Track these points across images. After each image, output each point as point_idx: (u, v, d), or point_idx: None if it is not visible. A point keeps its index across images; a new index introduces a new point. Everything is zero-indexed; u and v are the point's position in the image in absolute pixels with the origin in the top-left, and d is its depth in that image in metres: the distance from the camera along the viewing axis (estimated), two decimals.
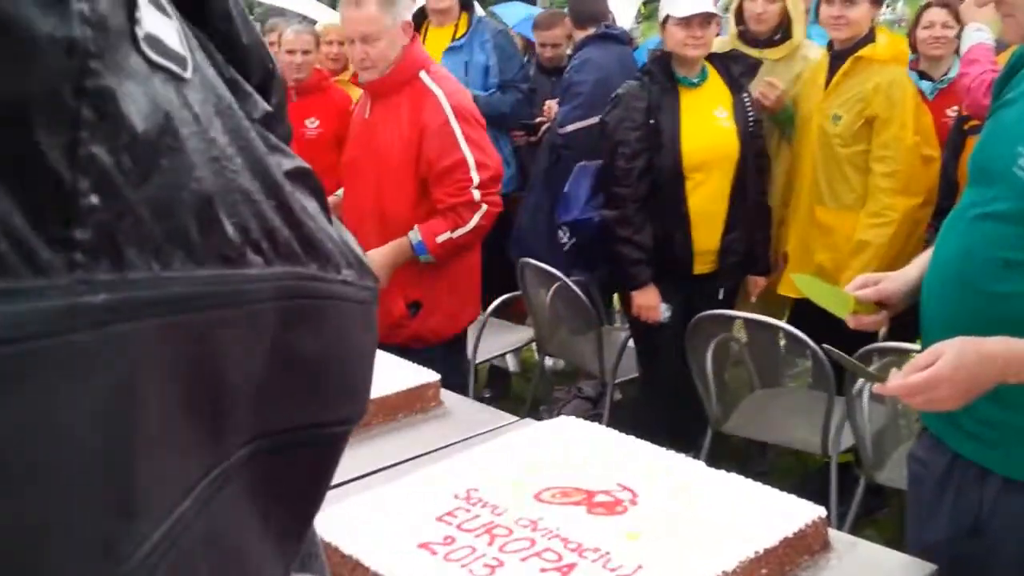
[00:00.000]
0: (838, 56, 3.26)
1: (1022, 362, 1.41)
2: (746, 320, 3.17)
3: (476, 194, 2.75)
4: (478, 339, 3.79)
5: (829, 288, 1.87)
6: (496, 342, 4.03)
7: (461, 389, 2.51)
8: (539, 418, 4.05)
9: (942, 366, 1.39)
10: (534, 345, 4.17)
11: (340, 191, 3.08)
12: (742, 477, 1.48)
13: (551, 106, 4.42)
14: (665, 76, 3.24)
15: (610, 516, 1.42)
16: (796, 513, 1.37)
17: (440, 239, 2.75)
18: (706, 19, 3.16)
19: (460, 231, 2.76)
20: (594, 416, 4.03)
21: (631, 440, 1.62)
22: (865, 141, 3.17)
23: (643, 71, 3.35)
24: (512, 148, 4.48)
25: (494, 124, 4.28)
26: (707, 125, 3.24)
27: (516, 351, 4.54)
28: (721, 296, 3.34)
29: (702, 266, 3.31)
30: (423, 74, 2.80)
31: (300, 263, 0.41)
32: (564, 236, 3.54)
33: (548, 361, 4.46)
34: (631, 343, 3.68)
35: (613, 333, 4.02)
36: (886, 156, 3.13)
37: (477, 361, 3.88)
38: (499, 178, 2.88)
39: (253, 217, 0.37)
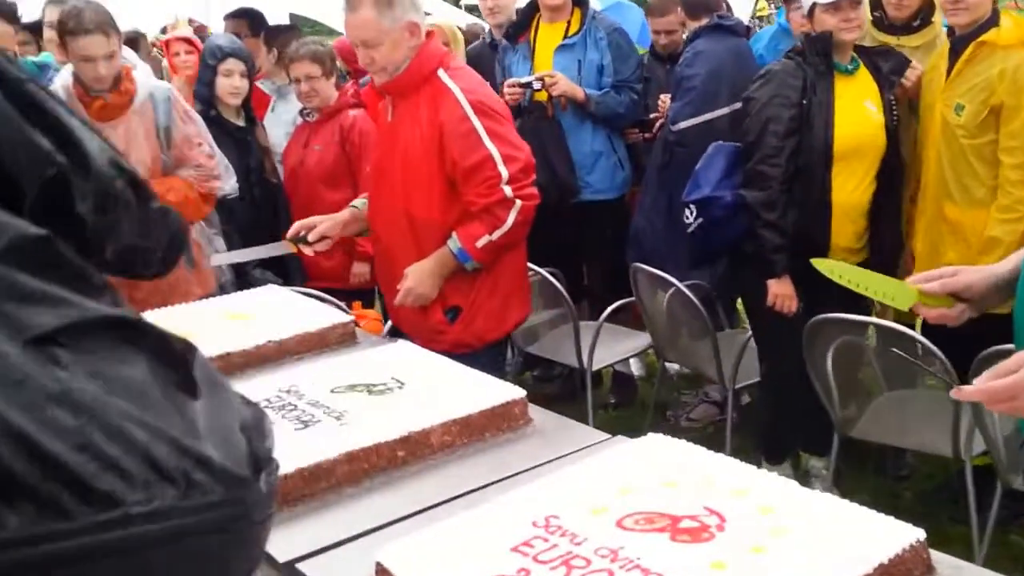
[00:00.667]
0: (959, 42, 3.08)
1: None
2: (870, 323, 3.00)
3: (508, 190, 2.62)
4: (592, 346, 3.73)
5: (887, 279, 1.71)
6: (612, 349, 3.94)
7: None
8: (667, 423, 4.07)
9: None
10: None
11: (359, 200, 2.91)
12: (835, 497, 1.37)
13: (665, 100, 4.29)
14: (821, 58, 3.15)
15: (695, 544, 1.33)
16: (892, 537, 1.25)
17: (480, 243, 2.63)
18: (855, 1, 3.09)
19: (499, 232, 2.63)
20: (721, 421, 3.91)
21: (720, 458, 1.53)
22: (992, 131, 3.00)
23: (795, 52, 3.25)
24: (627, 147, 4.37)
25: (607, 124, 4.21)
26: (859, 113, 3.16)
27: (639, 356, 4.44)
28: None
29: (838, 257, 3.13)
30: (440, 72, 2.66)
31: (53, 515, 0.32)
32: (690, 216, 3.41)
33: (675, 365, 4.35)
34: (752, 344, 3.53)
35: (734, 336, 3.87)
36: (1015, 147, 2.94)
37: (594, 368, 3.81)
38: (531, 168, 2.72)
39: None
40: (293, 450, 1.61)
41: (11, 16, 3.15)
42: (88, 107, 3.12)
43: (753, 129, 3.17)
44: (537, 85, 4.04)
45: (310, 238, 2.67)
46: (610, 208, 4.27)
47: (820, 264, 1.77)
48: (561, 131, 4.15)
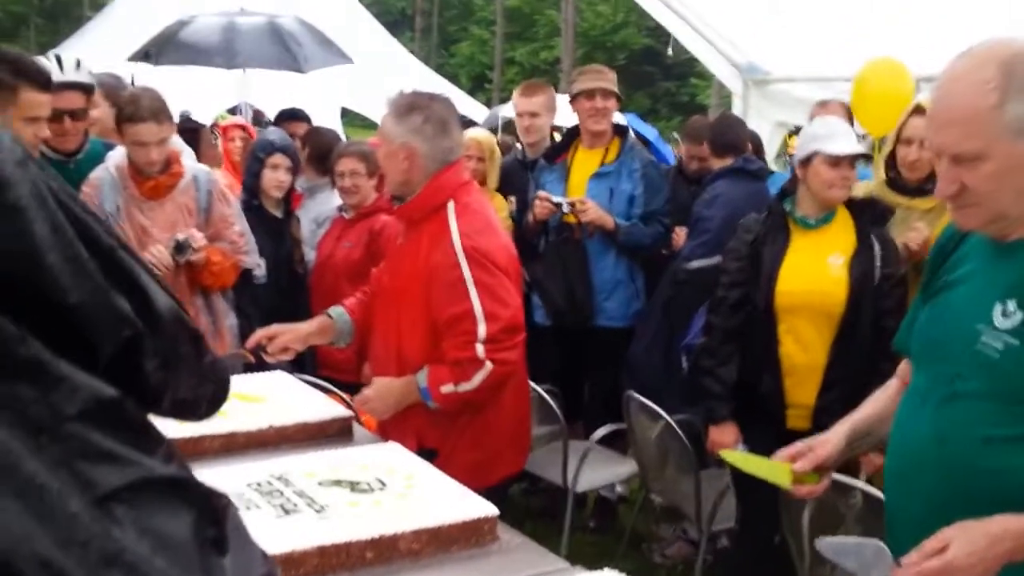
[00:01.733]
0: None
1: None
2: (856, 487, 3.03)
3: (480, 350, 2.51)
4: (579, 467, 3.84)
5: (763, 460, 1.86)
6: (598, 472, 4.05)
7: None
8: (640, 555, 4.13)
9: (956, 553, 1.40)
10: None
11: (335, 309, 2.87)
12: None
13: (680, 233, 4.45)
14: (780, 211, 3.17)
15: None
16: None
17: (444, 390, 2.54)
18: (854, 160, 3.10)
19: (464, 387, 2.53)
20: (695, 561, 3.97)
21: None
22: None
23: (768, 206, 3.28)
24: (644, 280, 4.47)
25: (631, 253, 4.37)
26: (813, 269, 3.09)
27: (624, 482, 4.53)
28: None
29: (796, 420, 3.13)
30: (449, 206, 2.61)
31: None
32: (685, 361, 3.56)
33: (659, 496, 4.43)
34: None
35: (720, 476, 3.96)
36: None
37: (578, 490, 3.91)
38: (515, 328, 2.62)
39: None
40: (271, 536, 1.76)
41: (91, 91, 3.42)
42: (139, 186, 3.41)
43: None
44: (567, 208, 4.20)
45: (269, 349, 2.67)
46: (620, 334, 4.38)
47: (728, 456, 2.01)
48: (585, 255, 4.28)
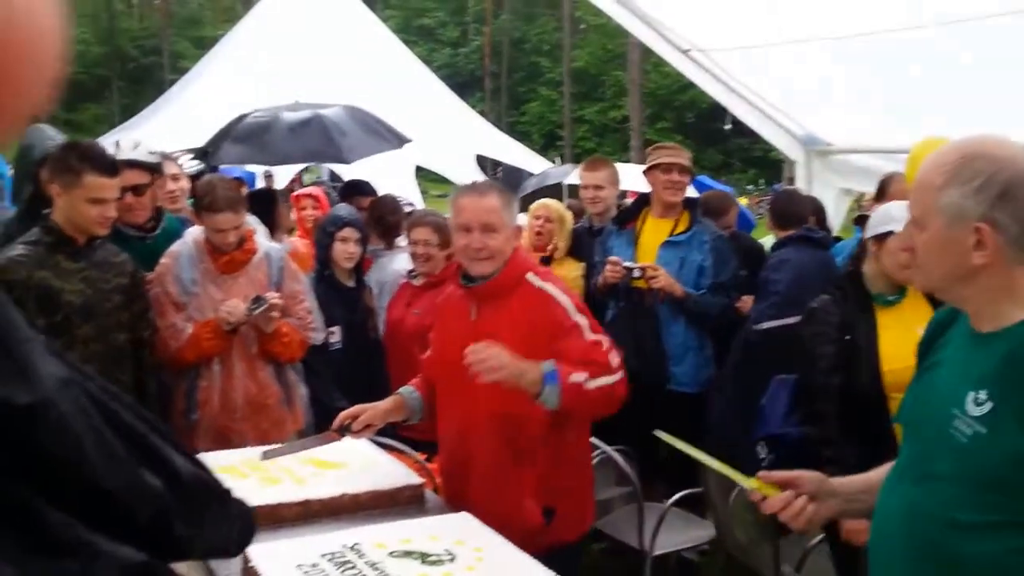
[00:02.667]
0: None
1: None
2: None
3: (614, 359, 2.63)
4: (656, 529, 3.79)
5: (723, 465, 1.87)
6: (677, 535, 3.99)
7: None
8: None
9: None
10: None
11: (406, 388, 2.92)
12: None
13: (747, 301, 4.46)
14: (858, 293, 3.17)
15: None
16: None
17: (572, 379, 2.52)
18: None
19: (594, 382, 2.55)
20: None
21: None
22: None
23: (835, 285, 3.28)
24: (713, 348, 4.46)
25: (699, 323, 4.37)
26: (909, 343, 3.10)
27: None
28: None
29: None
30: (530, 276, 2.73)
31: None
32: (763, 452, 3.52)
33: None
34: (817, 553, 3.54)
35: (799, 541, 3.87)
36: None
37: (655, 553, 3.86)
38: (622, 367, 2.71)
39: None
40: None
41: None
42: (215, 261, 3.56)
43: (801, 366, 3.22)
44: (638, 274, 4.24)
45: (354, 427, 2.71)
46: (692, 400, 4.37)
47: (696, 454, 1.97)
48: (657, 322, 4.31)
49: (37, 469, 0.51)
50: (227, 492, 0.67)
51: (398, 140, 6.76)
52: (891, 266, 3.10)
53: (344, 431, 2.71)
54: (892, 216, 3.18)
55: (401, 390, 2.92)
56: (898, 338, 3.10)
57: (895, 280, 3.14)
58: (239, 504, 0.71)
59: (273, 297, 3.47)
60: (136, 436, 0.57)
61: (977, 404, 1.60)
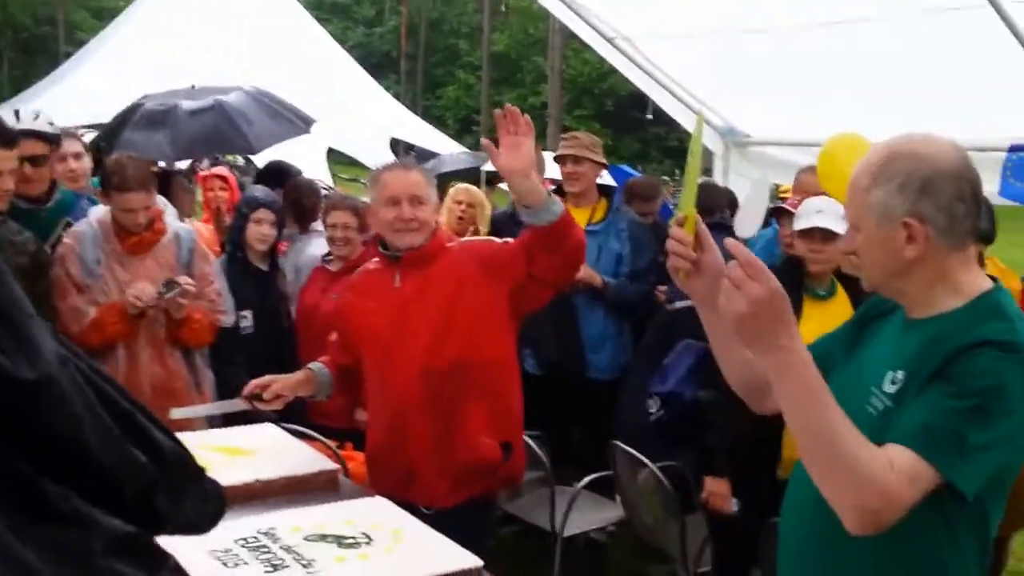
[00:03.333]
0: None
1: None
2: None
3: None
4: (567, 512, 3.87)
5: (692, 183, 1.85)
6: (587, 517, 4.08)
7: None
8: None
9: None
10: None
11: (316, 364, 2.97)
12: None
13: (662, 290, 4.55)
14: (792, 280, 3.21)
15: None
16: None
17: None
18: (827, 235, 3.18)
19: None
20: None
21: None
22: None
23: (771, 268, 3.39)
24: (631, 334, 4.55)
25: (619, 310, 4.45)
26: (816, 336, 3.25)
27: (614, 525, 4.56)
28: None
29: (787, 471, 3.24)
30: (450, 244, 2.88)
31: None
32: (654, 407, 3.61)
33: None
34: None
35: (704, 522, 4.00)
36: None
37: (565, 534, 3.94)
38: None
39: None
40: None
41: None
42: (123, 242, 3.47)
43: None
44: None
45: (265, 396, 2.76)
46: (608, 386, 4.45)
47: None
48: (575, 311, 4.37)
49: (37, 443, 0.56)
50: (202, 471, 0.71)
51: (304, 123, 6.65)
52: (804, 254, 3.23)
53: (254, 399, 2.74)
54: (807, 212, 3.31)
55: (311, 365, 2.95)
56: (815, 332, 3.19)
57: (811, 273, 3.26)
58: (212, 483, 0.75)
59: (186, 282, 3.41)
60: (124, 414, 0.61)
61: (893, 383, 1.70)
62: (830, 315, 3.24)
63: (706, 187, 5.29)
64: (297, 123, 6.60)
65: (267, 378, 2.81)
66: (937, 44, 4.40)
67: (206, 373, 3.71)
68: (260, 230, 4.13)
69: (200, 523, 0.66)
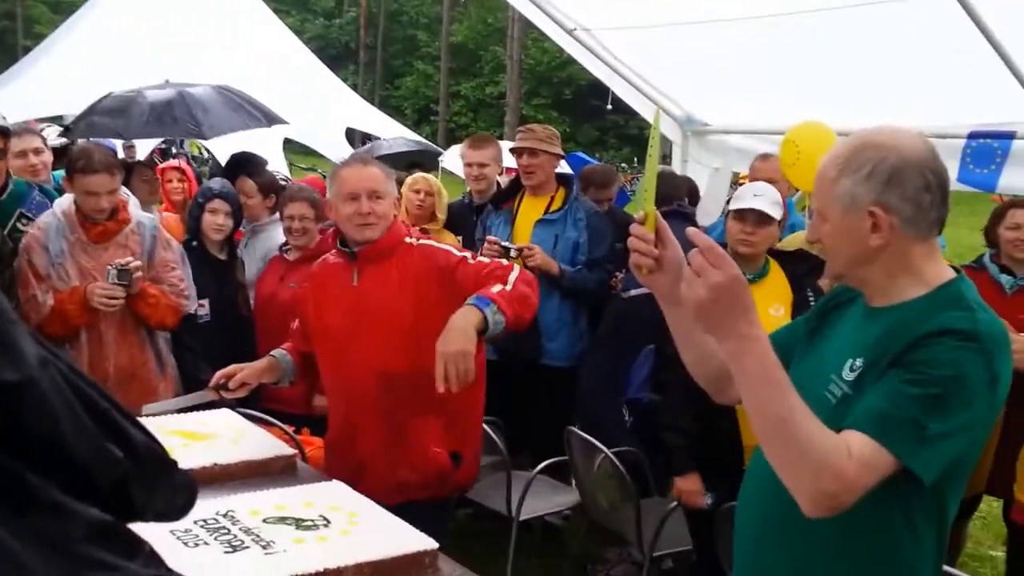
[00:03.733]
0: None
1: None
2: None
3: (503, 261, 2.89)
4: (523, 496, 3.93)
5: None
6: (542, 501, 4.14)
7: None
8: None
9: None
10: None
11: (279, 351, 2.99)
12: None
13: (619, 277, 4.61)
14: None
15: None
16: None
17: (494, 290, 2.59)
18: (761, 219, 3.26)
19: (510, 283, 2.63)
20: None
21: None
22: None
23: None
24: (588, 322, 4.61)
25: (576, 298, 4.51)
26: (762, 320, 3.29)
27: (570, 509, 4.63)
28: None
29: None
30: (408, 239, 2.86)
31: None
32: (627, 414, 3.69)
33: None
34: (678, 513, 3.72)
35: (662, 504, 4.07)
36: None
37: (521, 518, 4.00)
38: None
39: None
40: (219, 571, 1.83)
41: None
42: (87, 231, 3.49)
43: (660, 334, 3.41)
44: (515, 254, 4.31)
45: (231, 385, 2.78)
46: (564, 373, 4.52)
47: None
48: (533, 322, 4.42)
49: (19, 439, 0.60)
50: (174, 463, 0.75)
51: (267, 119, 6.75)
52: (731, 242, 3.30)
53: (220, 389, 2.77)
54: (744, 195, 3.39)
55: (274, 352, 2.98)
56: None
57: (740, 257, 3.28)
58: (184, 474, 0.78)
59: (135, 266, 3.43)
60: (100, 412, 0.65)
61: (852, 370, 1.72)
62: (763, 296, 3.27)
63: (664, 176, 5.33)
64: (259, 117, 6.68)
65: (232, 367, 2.83)
66: (897, 31, 4.46)
67: (169, 359, 3.74)
68: (215, 220, 4.14)
69: (171, 512, 0.73)
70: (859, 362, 1.71)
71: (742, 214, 3.30)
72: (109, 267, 3.39)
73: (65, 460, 0.62)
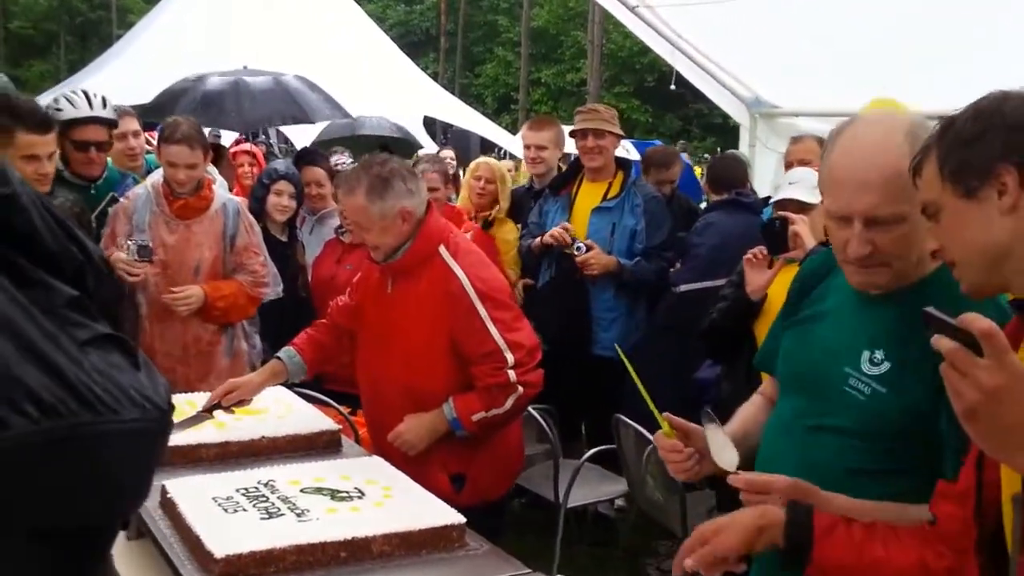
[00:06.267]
0: None
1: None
2: None
3: (511, 375, 2.70)
4: (570, 484, 3.97)
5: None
6: (591, 490, 4.17)
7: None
8: (635, 568, 4.25)
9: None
10: None
11: (285, 352, 2.95)
12: None
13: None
14: (774, 246, 3.27)
15: None
16: None
17: (475, 417, 2.70)
18: (802, 208, 3.21)
19: (495, 411, 2.71)
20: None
21: None
22: None
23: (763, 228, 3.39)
24: (645, 312, 4.59)
25: (634, 290, 4.47)
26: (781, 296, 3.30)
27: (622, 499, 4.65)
28: None
29: None
30: (442, 250, 2.76)
31: (70, 415, 0.74)
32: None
33: None
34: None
35: (708, 497, 4.07)
36: None
37: (568, 506, 4.04)
38: (535, 350, 2.81)
39: (16, 389, 0.70)
40: (253, 535, 1.93)
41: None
42: (171, 204, 3.61)
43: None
44: (578, 251, 4.31)
45: (224, 404, 2.72)
46: (616, 364, 4.51)
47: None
48: (587, 294, 4.41)
49: (10, 236, 0.83)
50: (112, 271, 1.00)
51: (342, 114, 7.21)
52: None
53: (215, 409, 2.72)
54: (786, 182, 3.40)
55: (280, 354, 2.96)
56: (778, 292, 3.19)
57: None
58: (114, 279, 1.04)
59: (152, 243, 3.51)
60: (60, 220, 0.89)
61: (873, 364, 1.65)
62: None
63: (727, 160, 5.26)
64: (339, 108, 7.05)
65: (229, 383, 2.78)
66: (980, 9, 4.32)
67: (242, 340, 3.82)
68: (279, 201, 4.26)
69: (111, 301, 0.93)
70: (879, 355, 1.65)
71: (782, 205, 3.29)
72: (128, 242, 3.45)
73: (42, 251, 0.84)
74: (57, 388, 0.74)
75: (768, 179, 5.78)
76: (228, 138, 12.34)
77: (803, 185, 3.32)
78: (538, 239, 4.52)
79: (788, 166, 4.30)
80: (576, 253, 4.33)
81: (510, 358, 2.70)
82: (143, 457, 0.83)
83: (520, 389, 2.72)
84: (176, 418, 2.40)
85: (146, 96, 6.73)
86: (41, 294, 0.80)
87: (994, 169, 1.29)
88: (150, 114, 6.03)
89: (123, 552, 2.16)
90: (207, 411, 2.71)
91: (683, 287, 4.18)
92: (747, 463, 1.91)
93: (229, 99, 6.41)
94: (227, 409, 2.70)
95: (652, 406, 1.81)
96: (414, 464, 2.67)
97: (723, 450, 1.78)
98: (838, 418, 1.68)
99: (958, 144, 1.33)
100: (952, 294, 1.41)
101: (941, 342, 1.12)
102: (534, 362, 2.78)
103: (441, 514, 2.15)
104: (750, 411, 2.03)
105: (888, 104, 4.41)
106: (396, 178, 2.70)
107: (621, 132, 4.65)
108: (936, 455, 1.54)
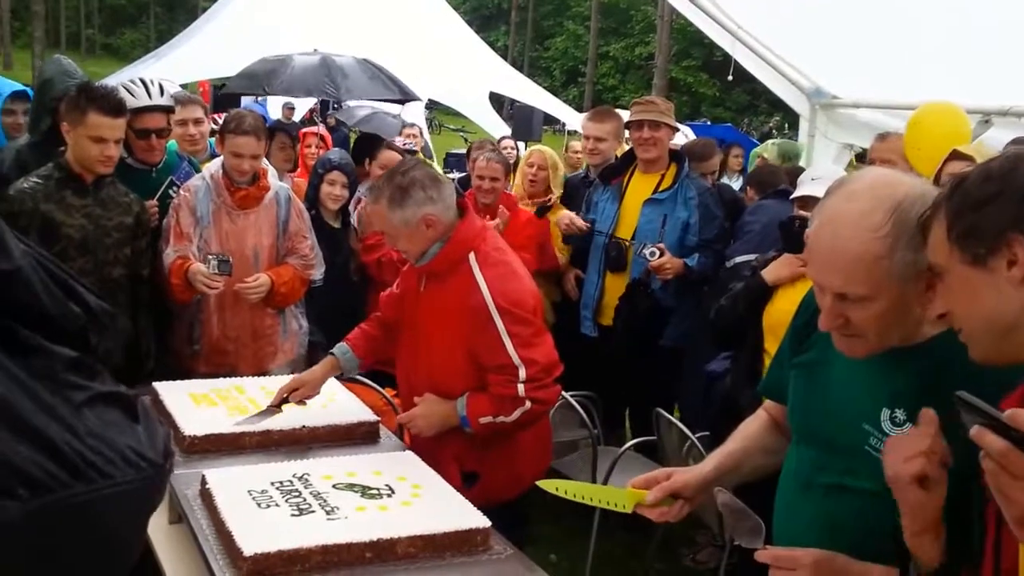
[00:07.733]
0: None
1: None
2: None
3: (521, 389, 2.70)
4: (609, 472, 4.00)
5: (607, 488, 1.93)
6: (628, 479, 4.17)
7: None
8: (671, 557, 4.26)
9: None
10: None
11: (339, 348, 3.01)
12: None
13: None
14: (790, 238, 3.28)
15: None
16: None
17: (482, 420, 2.72)
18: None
19: (502, 419, 2.72)
20: (727, 565, 4.08)
21: None
22: None
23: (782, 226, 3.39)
24: (697, 303, 4.52)
25: (693, 284, 4.45)
26: (798, 291, 3.18)
27: None
28: None
29: None
30: (471, 258, 2.76)
31: (62, 489, 0.79)
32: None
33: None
34: None
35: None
36: None
37: None
38: (553, 367, 2.79)
39: (9, 475, 0.76)
40: (281, 533, 2.01)
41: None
42: (232, 195, 3.70)
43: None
44: (650, 256, 4.29)
45: (292, 399, 2.84)
46: (672, 353, 4.51)
47: (545, 485, 1.94)
48: (658, 307, 4.39)
49: (11, 307, 0.89)
50: (116, 314, 1.05)
51: (402, 94, 7.29)
52: None
53: (283, 404, 2.84)
54: (804, 179, 3.41)
55: (334, 350, 3.03)
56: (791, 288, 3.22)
57: None
58: (123, 321, 1.15)
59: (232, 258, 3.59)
60: (61, 280, 0.94)
61: (895, 424, 1.58)
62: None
63: (770, 168, 5.30)
64: (394, 90, 7.22)
65: (294, 380, 2.89)
66: None
67: (294, 321, 3.92)
68: (332, 190, 4.36)
69: (114, 349, 1.00)
70: (900, 415, 1.58)
71: (802, 202, 3.28)
72: (210, 256, 3.55)
73: (43, 317, 0.90)
74: (49, 463, 0.80)
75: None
76: (299, 113, 12.64)
77: (825, 182, 3.28)
78: (565, 221, 4.55)
79: (871, 163, 4.25)
80: (649, 259, 4.33)
81: (522, 373, 2.70)
82: (139, 514, 0.88)
83: (528, 404, 2.72)
84: (248, 413, 2.58)
85: (219, 72, 7.01)
86: (40, 360, 0.86)
87: (1004, 238, 1.23)
88: (246, 85, 6.35)
89: (162, 534, 2.28)
90: (275, 406, 2.82)
91: (737, 259, 4.15)
92: (747, 486, 1.93)
93: (322, 72, 6.91)
94: (300, 402, 2.86)
95: (617, 498, 1.89)
96: (430, 452, 2.71)
97: (741, 524, 1.78)
98: (860, 479, 1.61)
99: (967, 207, 1.27)
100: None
101: (986, 439, 1.05)
102: (549, 379, 2.78)
103: (467, 517, 2.20)
104: (753, 429, 2.00)
105: (942, 107, 4.32)
106: (415, 187, 2.71)
107: (677, 125, 4.63)
108: (964, 513, 1.46)
